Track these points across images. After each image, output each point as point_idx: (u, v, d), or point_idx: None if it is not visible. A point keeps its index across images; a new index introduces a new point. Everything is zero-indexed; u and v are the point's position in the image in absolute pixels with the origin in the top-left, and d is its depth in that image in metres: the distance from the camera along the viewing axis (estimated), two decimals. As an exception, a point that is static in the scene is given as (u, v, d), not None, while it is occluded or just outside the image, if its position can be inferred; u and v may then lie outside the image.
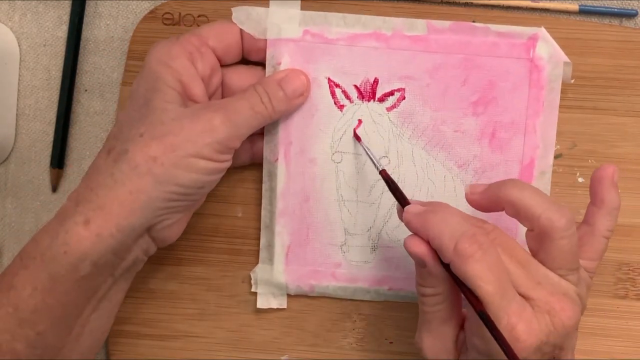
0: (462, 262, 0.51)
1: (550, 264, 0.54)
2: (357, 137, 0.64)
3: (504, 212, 0.56)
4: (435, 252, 0.53)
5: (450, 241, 0.52)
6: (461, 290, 0.52)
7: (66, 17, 0.69)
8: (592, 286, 0.58)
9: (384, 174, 0.60)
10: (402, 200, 0.57)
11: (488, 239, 0.52)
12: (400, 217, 0.57)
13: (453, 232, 0.52)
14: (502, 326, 0.51)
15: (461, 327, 0.57)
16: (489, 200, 0.56)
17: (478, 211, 0.58)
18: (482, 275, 0.50)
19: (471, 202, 0.57)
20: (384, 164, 0.65)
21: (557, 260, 0.54)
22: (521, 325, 0.51)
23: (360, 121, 0.65)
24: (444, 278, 0.54)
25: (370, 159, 0.63)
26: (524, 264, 0.54)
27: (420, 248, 0.54)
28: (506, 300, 0.51)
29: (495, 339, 0.50)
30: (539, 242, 0.54)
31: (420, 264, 0.54)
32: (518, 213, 0.55)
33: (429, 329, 0.56)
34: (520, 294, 0.53)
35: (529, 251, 0.56)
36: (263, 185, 0.66)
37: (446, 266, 0.53)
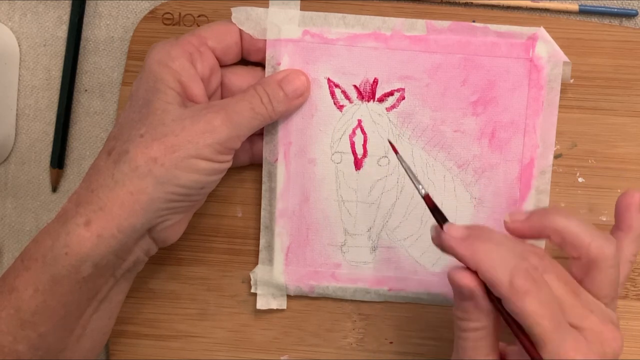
0: (518, 299, 0.49)
1: (596, 292, 0.53)
2: (394, 150, 0.60)
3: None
4: (483, 284, 0.51)
5: (504, 276, 0.50)
6: (514, 331, 0.50)
7: (66, 17, 0.69)
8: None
9: (427, 200, 0.56)
10: (442, 221, 0.54)
11: (540, 271, 0.51)
12: (437, 241, 0.54)
13: (506, 265, 0.50)
14: None
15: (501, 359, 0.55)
16: (532, 229, 0.55)
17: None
18: (538, 312, 0.49)
19: (512, 231, 0.55)
20: (383, 164, 0.65)
21: (604, 289, 0.53)
22: (577, 356, 0.49)
23: (359, 121, 0.65)
24: (489, 311, 0.52)
25: (412, 181, 0.57)
26: (575, 292, 0.53)
27: (470, 281, 0.51)
28: (562, 335, 0.50)
29: None
30: (585, 271, 0.53)
31: (467, 297, 0.52)
32: (564, 241, 0.53)
33: None
34: (572, 324, 0.51)
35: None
36: (263, 185, 0.66)
37: (493, 300, 0.51)
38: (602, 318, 0.52)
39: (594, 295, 0.53)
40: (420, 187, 0.57)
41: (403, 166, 0.58)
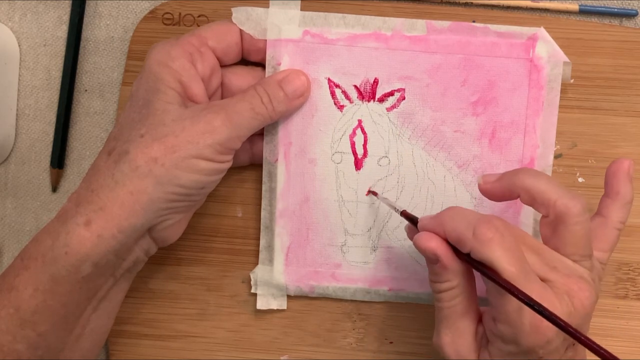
0: (483, 247, 0.51)
1: (563, 249, 0.55)
2: (374, 193, 0.65)
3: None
4: (447, 245, 0.54)
5: (468, 229, 0.52)
6: (486, 274, 0.52)
7: (66, 17, 0.69)
8: (604, 277, 0.58)
9: (404, 214, 0.60)
10: (415, 220, 0.58)
11: (503, 222, 0.53)
12: (411, 237, 0.57)
13: (469, 220, 0.52)
14: (526, 307, 0.50)
15: (479, 321, 0.57)
16: (503, 188, 0.57)
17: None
18: (503, 257, 0.51)
19: (485, 192, 0.58)
20: (383, 164, 0.65)
21: (571, 245, 0.54)
22: (545, 305, 0.50)
23: (360, 121, 0.65)
24: (458, 271, 0.54)
25: (389, 205, 0.63)
26: (537, 251, 0.54)
27: (432, 242, 0.54)
28: (529, 281, 0.51)
29: (530, 306, 0.49)
30: (553, 228, 0.55)
31: (432, 259, 0.54)
32: (534, 199, 0.55)
33: (447, 325, 0.56)
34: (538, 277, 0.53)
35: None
36: (263, 185, 0.66)
37: (462, 257, 0.53)
38: (568, 272, 0.54)
39: (562, 253, 0.55)
40: (397, 207, 0.61)
41: (380, 199, 0.64)
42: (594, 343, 0.47)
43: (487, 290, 0.53)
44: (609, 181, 0.59)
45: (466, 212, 0.54)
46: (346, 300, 0.67)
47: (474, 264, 0.53)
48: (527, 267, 0.52)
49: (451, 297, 0.55)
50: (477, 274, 0.55)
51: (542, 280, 0.53)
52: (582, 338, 0.47)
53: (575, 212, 0.54)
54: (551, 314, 0.49)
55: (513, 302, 0.51)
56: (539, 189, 0.55)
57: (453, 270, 0.54)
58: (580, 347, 0.55)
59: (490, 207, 0.65)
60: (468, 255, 0.53)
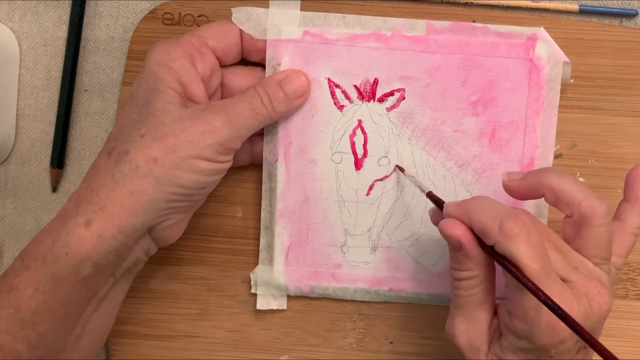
0: (508, 241, 0.51)
1: (585, 251, 0.55)
2: (400, 169, 0.65)
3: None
4: (472, 234, 0.54)
5: (495, 222, 0.52)
6: (508, 269, 0.51)
7: (66, 17, 0.69)
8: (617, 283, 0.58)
9: (430, 196, 0.60)
10: (440, 203, 0.58)
11: (530, 219, 0.52)
12: (435, 221, 0.57)
13: (496, 213, 0.52)
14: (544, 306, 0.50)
15: (495, 313, 0.56)
16: (528, 186, 0.57)
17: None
18: (528, 253, 0.51)
19: (509, 190, 0.58)
20: (383, 164, 0.65)
21: (593, 247, 0.54)
22: (563, 305, 0.50)
23: (360, 121, 0.65)
24: (480, 261, 0.54)
25: (415, 185, 0.63)
26: (560, 249, 0.54)
27: (458, 230, 0.54)
28: (550, 280, 0.51)
29: (548, 306, 0.49)
30: (577, 229, 0.55)
31: (456, 247, 0.54)
32: (558, 199, 0.55)
33: (462, 313, 0.56)
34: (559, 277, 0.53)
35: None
36: (263, 185, 0.65)
37: (485, 248, 0.53)
38: (587, 274, 0.54)
39: (583, 254, 0.55)
40: (424, 188, 0.61)
41: (407, 177, 0.64)
42: (607, 351, 0.46)
43: (506, 285, 0.53)
44: (629, 185, 0.59)
45: (494, 204, 0.54)
46: (346, 300, 0.67)
47: (497, 257, 0.52)
48: (550, 266, 0.52)
49: (470, 287, 0.55)
50: (498, 267, 0.55)
51: (563, 279, 0.53)
52: (597, 345, 0.47)
53: (600, 213, 0.54)
54: (568, 317, 0.49)
55: (532, 300, 0.51)
56: (564, 189, 0.55)
57: (475, 260, 0.54)
58: (590, 350, 0.55)
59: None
60: (492, 247, 0.52)
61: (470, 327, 0.56)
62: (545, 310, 0.50)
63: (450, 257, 0.56)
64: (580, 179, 0.66)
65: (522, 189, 0.57)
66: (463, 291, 0.56)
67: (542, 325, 0.51)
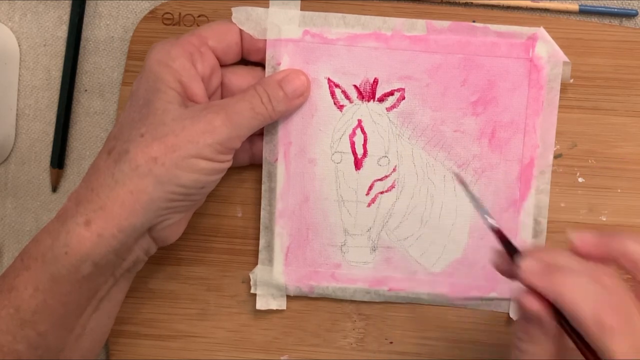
0: (606, 337, 0.47)
1: None
2: (461, 182, 0.61)
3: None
4: (552, 309, 0.50)
5: (588, 311, 0.48)
6: (586, 356, 0.48)
7: (66, 17, 0.69)
8: None
9: (498, 234, 0.54)
10: (512, 250, 0.53)
11: (626, 304, 0.49)
12: (507, 273, 0.53)
13: (589, 298, 0.48)
14: None
15: None
16: (602, 252, 0.52)
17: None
18: (626, 352, 0.47)
19: (576, 249, 0.52)
20: (383, 164, 0.65)
21: None
22: None
23: (360, 121, 0.65)
24: (552, 336, 0.51)
25: (481, 214, 0.56)
26: None
27: (540, 307, 0.50)
28: None
29: None
30: None
31: (534, 321, 0.50)
32: (637, 267, 0.51)
33: None
34: None
35: None
36: (262, 185, 0.65)
37: (561, 324, 0.50)
38: None
39: None
40: (490, 219, 0.55)
41: (471, 199, 0.57)
42: None
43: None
44: None
45: (585, 282, 0.49)
46: (346, 300, 0.67)
47: (575, 341, 0.49)
48: None
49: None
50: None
51: None
52: None
53: None
54: None
55: None
56: None
57: (549, 336, 0.51)
58: None
59: (491, 207, 0.65)
60: (567, 323, 0.49)
61: None
62: None
63: (519, 326, 0.52)
64: (580, 179, 0.66)
65: (593, 252, 0.52)
66: None
67: None
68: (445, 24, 0.64)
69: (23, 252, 0.58)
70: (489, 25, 0.64)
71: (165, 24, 0.67)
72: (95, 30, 0.69)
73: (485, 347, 0.65)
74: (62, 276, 0.56)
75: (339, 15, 0.64)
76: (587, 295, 0.48)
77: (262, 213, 0.66)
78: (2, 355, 0.56)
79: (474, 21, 0.65)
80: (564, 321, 0.49)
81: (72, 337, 0.59)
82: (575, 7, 0.66)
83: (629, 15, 0.67)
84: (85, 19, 0.69)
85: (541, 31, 0.64)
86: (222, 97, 0.64)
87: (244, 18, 0.63)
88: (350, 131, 0.65)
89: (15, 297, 0.56)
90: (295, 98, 0.63)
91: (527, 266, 0.51)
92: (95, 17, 0.69)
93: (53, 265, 0.56)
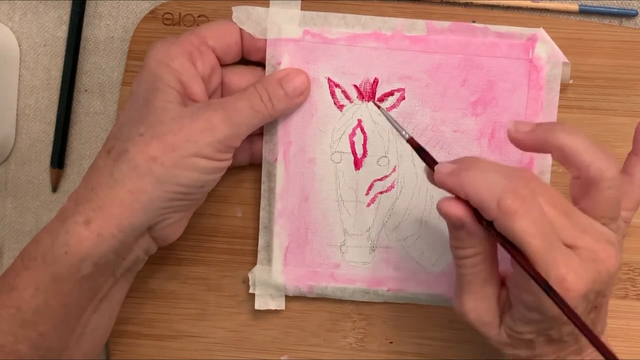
0: (508, 219, 0.50)
1: (593, 212, 0.53)
2: (377, 105, 0.64)
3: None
4: (473, 211, 0.52)
5: (492, 198, 0.50)
6: (505, 248, 0.51)
7: (66, 17, 0.69)
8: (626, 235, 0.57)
9: (412, 142, 0.58)
10: (431, 162, 0.55)
11: (530, 191, 0.51)
12: (431, 179, 0.55)
13: (493, 188, 0.51)
14: (552, 279, 0.50)
15: (502, 285, 0.56)
16: (536, 142, 0.55)
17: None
18: (528, 230, 0.49)
19: (513, 140, 0.55)
20: (383, 164, 0.65)
21: (602, 209, 0.53)
22: (570, 275, 0.50)
23: (359, 121, 0.65)
24: (481, 236, 0.53)
25: (395, 127, 0.60)
26: (567, 213, 0.53)
27: (458, 209, 0.52)
28: (553, 252, 0.50)
29: (546, 292, 0.49)
30: (585, 191, 0.54)
31: (457, 226, 0.53)
32: (566, 159, 0.54)
33: (469, 290, 0.55)
34: (565, 244, 0.52)
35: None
36: (262, 185, 0.65)
37: (484, 225, 0.52)
38: (597, 237, 0.53)
39: (591, 215, 0.54)
40: (404, 132, 0.58)
41: (385, 115, 0.61)
42: (594, 335, 0.47)
43: (511, 260, 0.52)
44: (637, 138, 0.57)
45: (490, 175, 0.51)
46: (346, 300, 0.67)
47: (495, 236, 0.51)
48: (553, 238, 0.51)
49: (474, 264, 0.54)
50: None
51: (570, 245, 0.52)
52: (585, 331, 0.47)
53: (609, 176, 0.52)
54: (560, 300, 0.48)
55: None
56: (573, 150, 0.53)
57: (477, 237, 0.53)
58: (603, 308, 0.55)
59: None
60: (491, 224, 0.51)
61: (479, 303, 0.55)
62: (552, 282, 0.50)
63: (450, 235, 0.55)
64: (580, 178, 0.66)
65: (528, 142, 0.55)
66: (468, 269, 0.54)
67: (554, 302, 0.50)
68: (445, 24, 0.64)
69: (23, 252, 0.58)
70: (489, 26, 0.64)
71: (165, 24, 0.67)
72: (95, 30, 0.69)
73: (485, 347, 0.65)
74: (63, 276, 0.56)
75: (340, 15, 0.64)
76: (488, 183, 0.51)
77: (262, 213, 0.66)
78: (3, 356, 0.56)
79: (474, 21, 0.65)
80: (484, 221, 0.52)
81: (74, 337, 0.59)
82: (575, 7, 0.66)
83: (629, 15, 0.67)
84: (85, 19, 0.69)
85: (541, 32, 0.64)
86: (222, 97, 0.64)
87: (244, 17, 0.63)
88: (350, 131, 0.65)
89: (16, 297, 0.56)
90: (295, 97, 0.63)
91: (439, 168, 0.54)
92: (95, 17, 0.69)
93: (53, 265, 0.56)
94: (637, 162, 0.57)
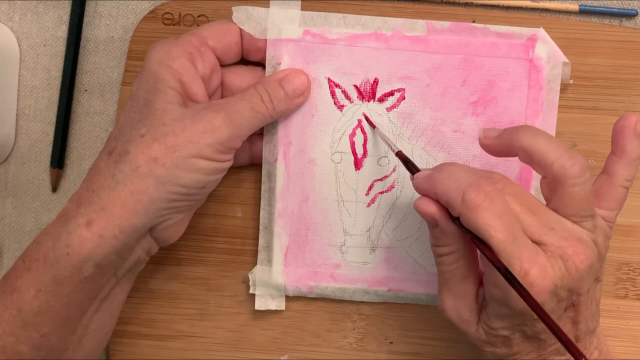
0: (471, 213, 0.51)
1: (563, 210, 0.54)
2: (371, 124, 0.65)
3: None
4: (446, 210, 0.54)
5: (457, 193, 0.52)
6: (472, 241, 0.52)
7: (66, 17, 0.69)
8: (609, 249, 0.57)
9: (400, 155, 0.60)
10: (415, 171, 0.57)
11: (495, 187, 0.52)
12: (414, 186, 0.56)
13: (459, 184, 0.52)
14: (516, 272, 0.50)
15: (480, 283, 0.57)
16: (502, 145, 0.56)
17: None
18: (491, 223, 0.51)
19: (484, 147, 0.57)
20: (383, 164, 0.65)
21: (570, 206, 0.54)
22: (534, 270, 0.51)
23: (360, 121, 0.65)
24: (457, 235, 0.54)
25: (385, 141, 0.63)
26: (535, 211, 0.54)
27: (430, 207, 0.54)
28: (517, 246, 0.51)
29: (510, 283, 0.50)
30: (552, 189, 0.54)
31: (431, 223, 0.55)
32: (531, 159, 0.54)
33: (448, 288, 0.56)
34: (533, 241, 0.53)
35: (543, 200, 0.56)
36: (262, 185, 0.65)
37: (457, 222, 0.53)
38: (565, 235, 0.53)
39: (561, 214, 0.54)
40: (393, 147, 0.61)
41: (378, 133, 0.64)
42: (557, 326, 0.47)
43: (479, 256, 0.54)
44: (615, 138, 0.57)
45: (457, 174, 0.53)
46: (346, 300, 0.67)
47: (463, 229, 0.53)
48: (518, 232, 0.52)
49: (451, 262, 0.55)
50: None
51: (537, 242, 0.53)
52: (546, 319, 0.48)
53: (572, 173, 0.53)
54: (522, 289, 0.49)
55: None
56: (536, 150, 0.54)
57: (452, 235, 0.54)
58: (582, 306, 0.55)
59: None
60: (458, 219, 0.53)
61: (457, 301, 0.56)
62: (515, 275, 0.50)
63: (429, 234, 0.56)
64: (580, 179, 0.66)
65: (496, 147, 0.57)
66: (445, 267, 0.56)
67: (515, 292, 0.51)
68: (445, 24, 0.64)
69: (24, 253, 0.58)
70: (489, 26, 0.64)
71: (165, 24, 0.67)
72: (95, 30, 0.69)
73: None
74: (64, 277, 0.56)
75: (340, 15, 0.64)
76: (455, 181, 0.53)
77: (262, 213, 0.66)
78: (5, 357, 0.56)
79: (474, 21, 0.65)
80: (454, 218, 0.53)
81: (75, 337, 0.59)
82: (575, 7, 0.66)
83: (629, 15, 0.67)
84: (85, 19, 0.69)
85: (541, 32, 0.64)
86: (222, 97, 0.64)
87: (245, 18, 0.63)
88: (350, 131, 0.65)
89: (17, 298, 0.56)
90: (295, 97, 0.63)
91: (417, 176, 0.56)
92: (95, 17, 0.69)
93: (55, 267, 0.56)
94: (616, 161, 0.57)
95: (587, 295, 0.55)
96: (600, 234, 0.56)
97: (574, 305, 0.54)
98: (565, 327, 0.55)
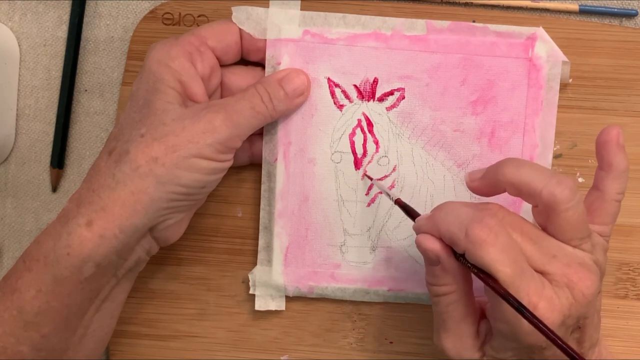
0: (476, 248, 0.50)
1: (560, 236, 0.53)
2: (369, 177, 0.65)
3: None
4: (449, 247, 0.53)
5: (460, 229, 0.51)
6: (479, 276, 0.51)
7: (66, 17, 0.69)
8: (609, 249, 0.57)
9: (398, 202, 0.60)
10: (415, 215, 0.57)
11: (497, 220, 0.52)
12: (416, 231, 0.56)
13: (461, 220, 0.52)
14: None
15: (481, 317, 0.56)
16: (489, 184, 0.56)
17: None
18: (498, 258, 0.50)
19: (473, 190, 0.57)
20: (383, 164, 0.65)
21: (567, 231, 0.53)
22: (543, 303, 0.50)
23: (359, 121, 0.65)
24: (457, 274, 0.54)
25: (383, 191, 0.64)
26: (535, 239, 0.53)
27: (434, 244, 0.53)
28: (525, 280, 0.50)
29: (523, 316, 0.49)
30: (546, 217, 0.54)
31: (433, 261, 0.54)
32: (520, 192, 0.54)
33: (447, 328, 0.56)
34: (536, 270, 0.52)
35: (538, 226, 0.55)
36: (262, 185, 0.65)
37: (462, 259, 0.52)
38: (567, 261, 0.53)
39: (559, 239, 0.54)
40: (390, 195, 0.62)
41: (375, 184, 0.64)
42: (576, 353, 0.47)
43: (485, 290, 0.53)
44: (599, 153, 0.57)
45: (459, 211, 0.53)
46: (346, 300, 0.67)
47: (469, 266, 0.52)
48: (524, 265, 0.51)
49: (449, 302, 0.55)
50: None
51: (541, 272, 0.52)
52: (564, 345, 0.48)
53: (563, 198, 0.52)
54: (538, 321, 0.49)
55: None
56: (522, 181, 0.53)
57: (452, 273, 0.54)
58: (588, 327, 0.54)
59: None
60: (463, 256, 0.52)
61: (457, 341, 0.56)
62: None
63: (426, 271, 0.55)
64: (580, 179, 0.66)
65: (484, 188, 0.56)
66: (443, 307, 0.55)
67: (525, 327, 0.51)
68: (445, 23, 0.64)
69: (25, 253, 0.58)
70: (489, 25, 0.64)
71: (165, 24, 0.67)
72: (95, 30, 0.69)
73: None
74: (65, 277, 0.56)
75: (339, 15, 0.64)
76: (457, 216, 0.52)
77: (262, 213, 0.66)
78: (5, 357, 0.56)
79: (473, 21, 0.65)
80: (458, 255, 0.53)
81: (75, 338, 0.59)
82: (575, 7, 0.66)
83: (629, 15, 0.67)
84: (85, 19, 0.69)
85: (540, 31, 0.64)
86: (222, 97, 0.64)
87: (244, 18, 0.63)
88: (350, 131, 0.65)
89: (17, 298, 0.56)
90: (295, 97, 0.63)
91: (419, 219, 0.56)
92: (95, 17, 0.69)
93: (55, 267, 0.56)
94: (605, 176, 0.57)
95: (593, 315, 0.54)
96: (599, 251, 0.55)
97: (579, 328, 0.54)
98: None
